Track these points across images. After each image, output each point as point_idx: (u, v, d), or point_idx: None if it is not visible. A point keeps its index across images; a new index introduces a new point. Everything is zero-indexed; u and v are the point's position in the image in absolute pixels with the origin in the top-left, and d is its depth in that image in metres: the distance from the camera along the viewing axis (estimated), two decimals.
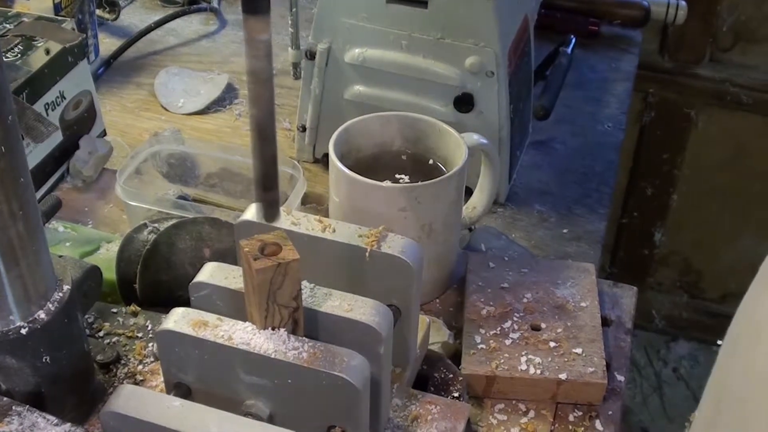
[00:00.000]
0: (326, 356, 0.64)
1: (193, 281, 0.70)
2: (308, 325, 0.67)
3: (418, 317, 0.79)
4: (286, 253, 0.63)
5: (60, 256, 0.77)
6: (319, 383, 0.64)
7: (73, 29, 1.12)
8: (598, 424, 0.86)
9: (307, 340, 0.65)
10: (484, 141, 0.97)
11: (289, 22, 1.18)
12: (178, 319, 0.67)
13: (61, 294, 0.71)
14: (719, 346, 0.57)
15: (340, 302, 0.68)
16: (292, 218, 0.73)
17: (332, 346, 0.65)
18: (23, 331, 0.68)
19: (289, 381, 0.65)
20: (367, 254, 0.71)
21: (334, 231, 0.73)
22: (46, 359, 0.70)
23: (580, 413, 0.87)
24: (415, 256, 0.72)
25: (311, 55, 1.09)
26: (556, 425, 0.86)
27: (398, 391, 0.78)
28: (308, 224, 0.73)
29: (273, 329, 0.65)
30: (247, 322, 0.66)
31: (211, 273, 0.71)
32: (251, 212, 0.74)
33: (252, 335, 0.65)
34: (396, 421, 0.78)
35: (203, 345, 0.66)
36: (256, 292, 0.63)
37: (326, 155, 0.92)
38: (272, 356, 0.64)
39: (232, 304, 0.69)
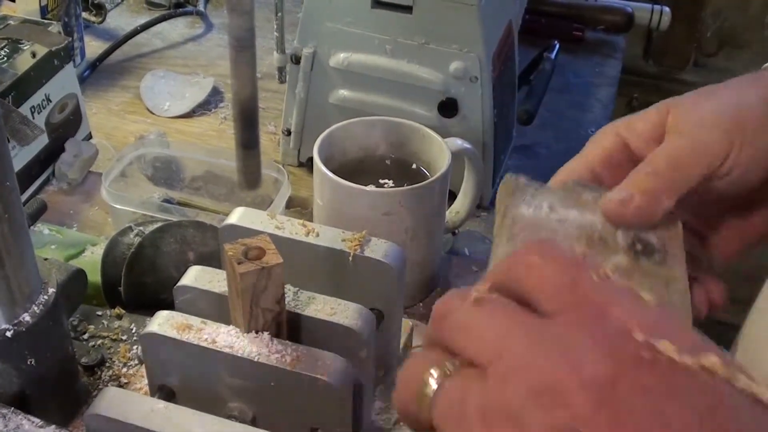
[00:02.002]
0: (308, 359, 0.65)
1: (177, 285, 0.71)
2: (291, 328, 0.68)
3: (401, 320, 0.80)
4: (270, 257, 0.63)
5: (45, 259, 0.77)
6: (301, 386, 0.65)
7: (59, 32, 1.13)
8: None
9: (290, 343, 0.66)
10: (468, 146, 0.97)
11: (275, 26, 1.18)
12: (162, 322, 0.68)
13: (46, 297, 0.71)
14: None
15: (323, 306, 0.69)
16: (276, 222, 0.74)
17: (315, 349, 0.66)
18: (8, 334, 0.68)
19: (272, 384, 0.65)
20: (350, 258, 0.72)
21: (317, 235, 0.73)
22: (30, 362, 0.71)
23: None
24: (397, 259, 0.73)
25: (296, 60, 1.10)
26: None
27: (381, 393, 0.79)
28: (292, 228, 0.73)
29: (256, 332, 0.66)
30: (230, 326, 0.67)
31: (195, 277, 0.71)
32: (235, 216, 0.74)
33: (235, 338, 0.66)
34: (378, 424, 0.78)
35: (187, 348, 0.66)
36: (240, 295, 0.63)
37: (311, 159, 0.93)
38: (255, 359, 0.65)
39: (216, 308, 0.70)
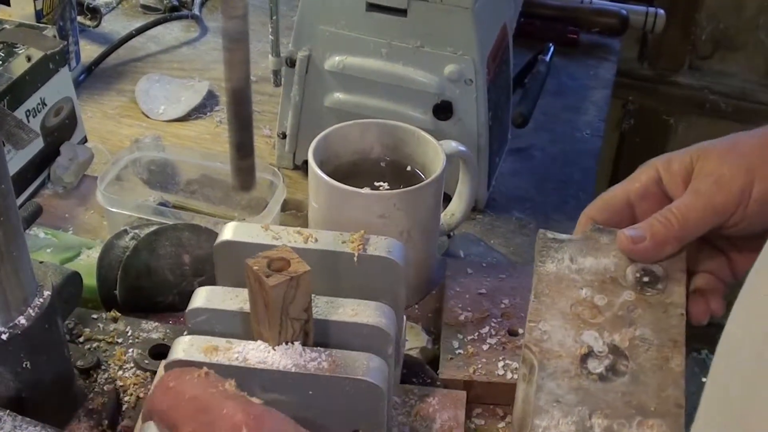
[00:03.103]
0: (346, 362, 0.65)
1: (189, 308, 0.70)
2: (317, 335, 0.68)
3: (404, 316, 0.80)
4: (297, 266, 0.63)
5: (41, 262, 0.77)
6: (342, 390, 0.64)
7: (55, 36, 1.12)
8: None
9: (322, 349, 0.66)
10: (463, 148, 0.98)
11: (270, 29, 1.18)
12: (187, 348, 0.67)
13: (41, 300, 0.71)
14: (706, 354, 0.58)
15: (344, 308, 0.69)
16: (272, 233, 0.73)
17: (347, 351, 0.66)
18: (4, 337, 0.68)
19: (311, 392, 0.65)
20: (355, 258, 0.72)
21: (315, 240, 0.73)
22: (26, 365, 0.71)
23: None
24: (401, 254, 0.73)
25: (291, 63, 1.10)
26: None
27: (393, 388, 0.79)
28: (289, 237, 0.73)
29: (286, 344, 0.66)
30: (258, 341, 0.66)
31: (207, 298, 0.70)
32: (229, 232, 0.74)
33: (266, 353, 0.65)
34: (399, 419, 0.78)
35: (218, 370, 0.65)
36: (270, 308, 0.63)
37: (306, 162, 0.93)
38: (293, 371, 0.64)
39: (233, 326, 0.69)
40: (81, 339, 0.85)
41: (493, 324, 0.92)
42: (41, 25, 1.20)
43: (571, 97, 1.42)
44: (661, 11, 1.55)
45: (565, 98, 1.42)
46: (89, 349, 0.84)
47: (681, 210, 0.76)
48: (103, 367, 0.82)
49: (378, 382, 0.64)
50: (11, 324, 0.69)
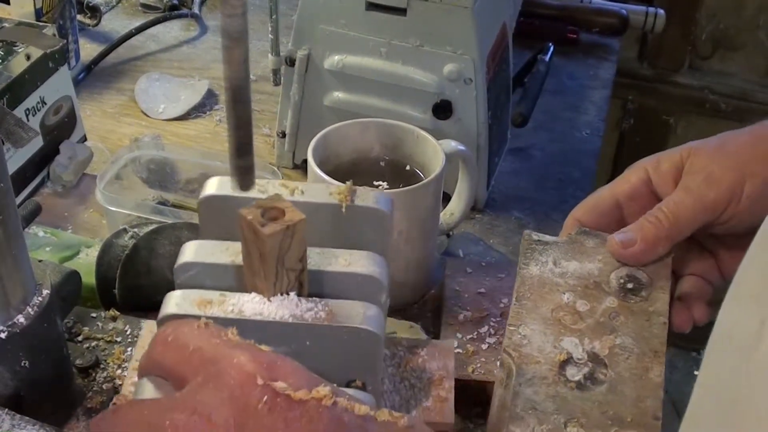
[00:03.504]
0: (343, 311, 0.64)
1: (178, 264, 0.69)
2: (310, 285, 0.67)
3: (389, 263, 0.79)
4: (292, 215, 0.62)
5: (40, 261, 0.77)
6: (339, 339, 0.64)
7: (54, 35, 1.12)
8: None
9: (317, 299, 0.65)
10: (462, 148, 0.98)
11: (269, 28, 1.18)
12: (180, 302, 0.66)
13: (40, 298, 0.71)
14: (698, 353, 0.59)
15: (336, 259, 0.68)
16: (257, 186, 0.72)
17: (344, 301, 0.65)
18: (2, 335, 0.68)
19: (308, 343, 0.64)
20: (343, 209, 0.71)
21: (302, 192, 0.72)
22: (25, 363, 0.71)
23: None
24: (387, 205, 0.72)
25: (291, 62, 1.10)
26: None
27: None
28: (275, 190, 0.71)
29: (281, 295, 0.64)
30: (252, 293, 0.65)
31: (195, 252, 0.69)
32: (213, 186, 0.72)
33: (262, 305, 0.64)
34: (390, 370, 0.78)
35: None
36: (265, 258, 0.62)
37: (306, 161, 0.93)
38: (290, 321, 0.63)
39: (224, 280, 0.68)
40: (80, 338, 0.85)
41: (492, 323, 0.92)
42: (41, 23, 1.20)
43: (571, 97, 1.42)
44: (661, 11, 1.55)
45: (564, 98, 1.42)
46: (88, 348, 0.84)
47: (671, 208, 0.76)
48: (101, 366, 0.82)
49: (376, 329, 0.64)
50: (10, 323, 0.69)
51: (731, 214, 0.75)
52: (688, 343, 2.37)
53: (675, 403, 1.28)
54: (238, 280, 0.67)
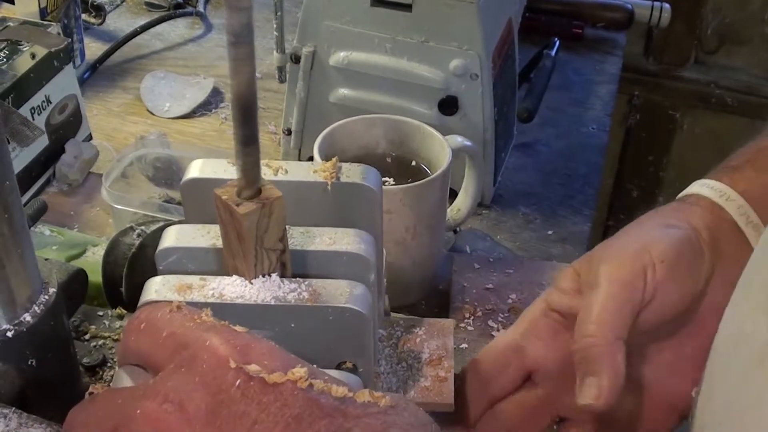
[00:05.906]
0: (327, 291, 0.62)
1: (159, 249, 0.66)
2: (294, 266, 0.65)
3: (383, 247, 0.77)
4: (268, 193, 0.60)
5: (46, 260, 0.77)
6: (325, 320, 0.62)
7: (59, 33, 1.12)
8: None
9: (301, 280, 0.63)
10: (469, 143, 0.97)
11: (274, 25, 1.18)
12: (159, 288, 0.64)
13: (47, 297, 0.71)
14: None
15: (320, 237, 0.66)
16: None
17: (329, 280, 0.63)
18: (9, 334, 0.68)
19: (293, 325, 0.63)
20: (328, 187, 0.68)
21: (286, 172, 0.69)
22: (31, 362, 0.70)
23: None
24: (375, 180, 0.69)
25: (296, 59, 1.10)
26: None
27: (378, 321, 0.77)
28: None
29: (263, 276, 0.63)
30: (233, 276, 0.63)
31: (176, 237, 0.67)
32: (196, 169, 0.70)
33: (243, 287, 0.62)
34: (387, 351, 0.77)
35: None
36: (243, 239, 0.60)
37: (312, 158, 0.93)
38: (272, 303, 0.62)
39: (205, 264, 0.66)
40: (87, 336, 0.85)
41: (500, 319, 0.92)
42: (45, 22, 1.20)
43: (577, 92, 1.42)
44: (667, 5, 1.55)
45: (570, 93, 1.41)
46: (95, 346, 0.83)
47: (592, 313, 0.70)
48: (108, 365, 0.82)
49: (362, 308, 0.62)
50: (17, 321, 0.69)
51: (653, 287, 0.69)
52: None
53: None
54: (220, 264, 0.65)
